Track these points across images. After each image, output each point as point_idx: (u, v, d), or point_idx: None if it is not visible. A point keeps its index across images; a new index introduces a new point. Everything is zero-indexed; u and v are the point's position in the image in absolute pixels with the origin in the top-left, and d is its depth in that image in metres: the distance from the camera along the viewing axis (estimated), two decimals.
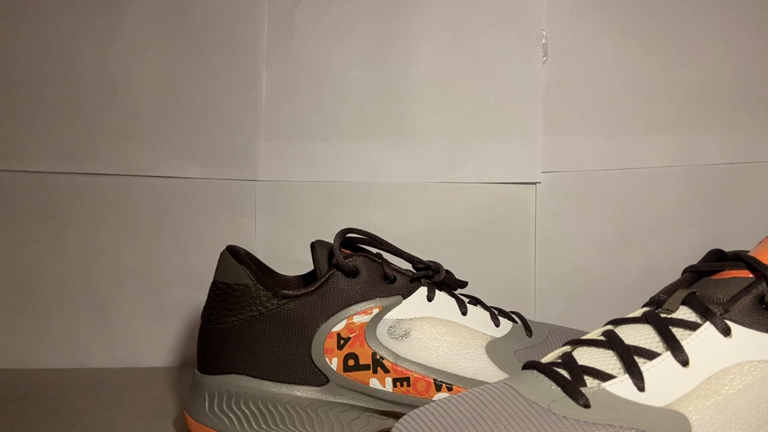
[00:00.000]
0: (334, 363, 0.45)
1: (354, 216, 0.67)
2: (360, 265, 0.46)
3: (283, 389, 0.45)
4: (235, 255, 0.47)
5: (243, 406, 0.46)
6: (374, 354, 0.45)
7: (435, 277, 0.48)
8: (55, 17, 0.67)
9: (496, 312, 0.50)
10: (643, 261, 0.68)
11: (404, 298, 0.46)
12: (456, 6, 0.67)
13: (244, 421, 0.45)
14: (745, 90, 0.67)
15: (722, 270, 0.35)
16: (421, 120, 0.68)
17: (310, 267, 0.50)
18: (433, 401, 0.33)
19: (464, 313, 0.47)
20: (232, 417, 0.46)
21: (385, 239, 0.49)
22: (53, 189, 0.68)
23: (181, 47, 0.68)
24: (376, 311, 0.46)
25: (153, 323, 0.69)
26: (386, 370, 0.45)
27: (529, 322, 0.50)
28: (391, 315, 0.46)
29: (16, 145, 0.67)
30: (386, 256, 0.48)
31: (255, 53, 0.67)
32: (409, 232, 0.67)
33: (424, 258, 0.49)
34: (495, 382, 0.34)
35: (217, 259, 0.48)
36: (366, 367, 0.45)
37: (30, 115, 0.67)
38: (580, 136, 0.68)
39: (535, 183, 0.68)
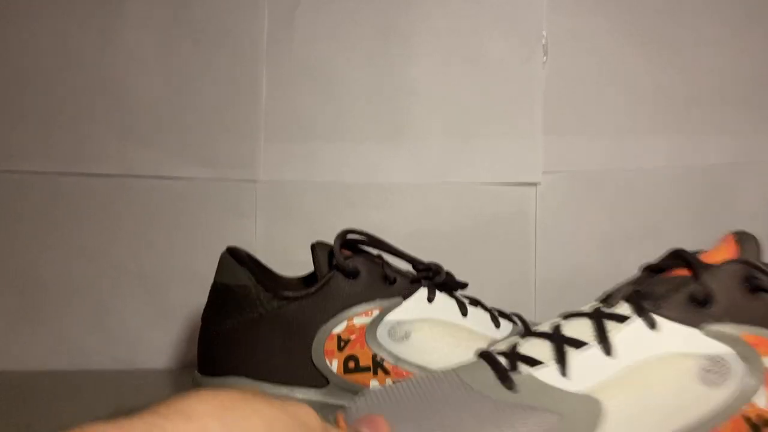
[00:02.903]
0: (335, 365, 0.45)
1: (354, 217, 0.67)
2: (360, 267, 0.46)
3: (284, 391, 0.45)
4: (235, 256, 0.47)
5: None
6: (374, 356, 0.45)
7: (435, 279, 0.48)
8: (55, 17, 0.67)
9: (497, 313, 0.50)
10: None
11: (404, 300, 0.46)
12: (456, 6, 0.67)
13: None
14: (745, 90, 0.67)
15: (673, 268, 0.37)
16: (421, 120, 0.68)
17: (311, 268, 0.50)
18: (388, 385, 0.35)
19: (464, 315, 0.47)
20: None
21: (385, 240, 0.49)
22: (54, 189, 0.68)
23: (181, 47, 0.67)
24: (376, 313, 0.46)
25: (153, 325, 0.68)
26: (386, 372, 0.45)
27: (529, 324, 0.50)
28: (392, 316, 0.46)
29: (16, 145, 0.67)
30: (386, 257, 0.48)
31: (255, 53, 0.67)
32: (409, 233, 0.67)
33: (425, 259, 0.49)
34: (444, 369, 0.36)
35: (218, 260, 0.48)
36: (366, 369, 0.45)
37: (30, 115, 0.67)
38: (580, 136, 0.67)
39: (535, 183, 0.68)
